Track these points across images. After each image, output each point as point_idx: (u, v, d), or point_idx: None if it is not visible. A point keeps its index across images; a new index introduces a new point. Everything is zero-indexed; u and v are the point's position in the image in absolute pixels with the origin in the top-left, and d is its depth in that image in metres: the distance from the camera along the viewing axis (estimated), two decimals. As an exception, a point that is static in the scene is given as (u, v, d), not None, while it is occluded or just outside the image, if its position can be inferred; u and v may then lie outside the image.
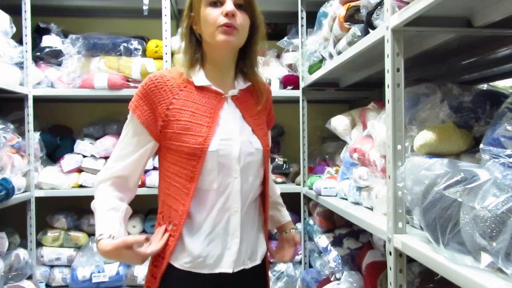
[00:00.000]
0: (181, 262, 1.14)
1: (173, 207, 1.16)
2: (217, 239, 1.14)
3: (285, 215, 1.45)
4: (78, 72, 2.39)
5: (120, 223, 1.13)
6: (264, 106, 1.27)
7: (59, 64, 2.44)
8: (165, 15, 2.36)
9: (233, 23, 1.10)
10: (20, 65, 2.31)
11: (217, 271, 1.14)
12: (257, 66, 1.24)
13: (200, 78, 1.17)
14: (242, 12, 1.13)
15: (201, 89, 1.17)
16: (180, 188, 1.14)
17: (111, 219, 1.13)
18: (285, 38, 2.59)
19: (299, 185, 2.47)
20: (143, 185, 2.42)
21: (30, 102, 2.35)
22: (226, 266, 1.15)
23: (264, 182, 1.25)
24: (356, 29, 1.52)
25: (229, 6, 1.10)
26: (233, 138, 1.15)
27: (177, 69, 1.20)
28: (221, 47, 1.14)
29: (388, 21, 1.14)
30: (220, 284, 1.15)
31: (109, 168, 1.19)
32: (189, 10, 1.18)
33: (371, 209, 1.57)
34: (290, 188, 2.50)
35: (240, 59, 1.23)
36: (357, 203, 1.71)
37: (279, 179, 2.58)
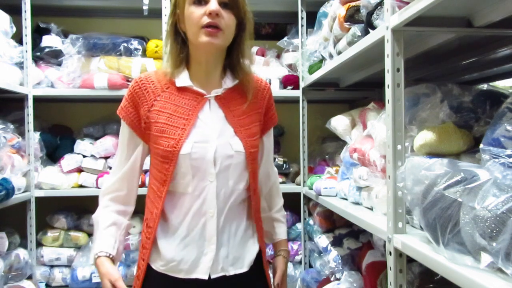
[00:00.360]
0: (157, 265, 1.15)
1: (150, 209, 1.18)
2: (193, 243, 1.12)
3: (279, 233, 1.34)
4: (78, 72, 2.39)
5: (119, 241, 1.16)
6: (258, 105, 1.22)
7: (59, 64, 2.44)
8: (165, 15, 2.36)
9: (217, 23, 1.06)
10: (20, 65, 2.31)
11: (193, 276, 1.12)
12: (244, 64, 1.19)
13: (182, 79, 1.15)
14: (227, 11, 1.08)
15: (182, 90, 1.15)
16: (155, 191, 1.16)
17: (110, 237, 1.14)
18: (285, 38, 2.59)
19: (299, 185, 2.47)
20: (142, 185, 2.42)
21: (30, 102, 2.35)
22: (202, 272, 1.12)
23: (252, 186, 1.19)
24: (356, 29, 1.52)
25: (213, 5, 1.05)
26: (209, 140, 1.12)
27: (164, 69, 1.18)
28: (205, 48, 1.10)
29: (388, 21, 1.14)
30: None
31: (110, 179, 1.21)
32: (174, 6, 1.14)
33: (371, 209, 1.57)
34: (290, 188, 2.50)
35: (228, 56, 1.18)
36: (357, 203, 1.71)
37: (279, 179, 2.57)
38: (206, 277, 1.12)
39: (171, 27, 1.15)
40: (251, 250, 1.20)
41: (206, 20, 1.06)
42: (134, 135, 1.17)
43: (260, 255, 1.24)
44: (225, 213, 1.14)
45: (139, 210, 2.72)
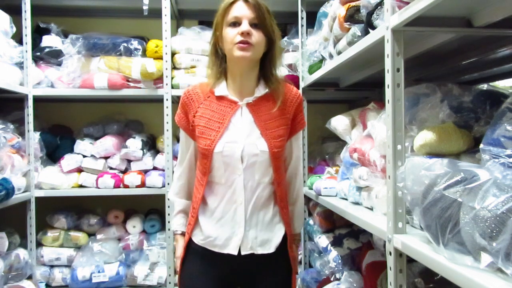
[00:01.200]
0: (197, 238, 1.40)
1: (195, 194, 1.43)
2: (226, 225, 1.36)
3: (295, 228, 1.52)
4: (78, 72, 2.39)
5: (186, 217, 1.49)
6: (287, 110, 1.41)
7: (59, 64, 2.44)
8: (165, 15, 2.36)
9: (248, 40, 1.28)
10: (20, 65, 2.31)
11: (225, 251, 1.35)
12: (276, 74, 1.40)
13: (220, 88, 1.38)
14: (257, 30, 1.31)
15: (220, 98, 1.38)
16: (199, 180, 1.42)
17: (181, 218, 1.50)
18: (285, 38, 2.59)
19: (299, 185, 2.47)
20: (143, 185, 2.42)
21: (30, 102, 2.35)
22: (232, 249, 1.35)
23: (276, 180, 1.38)
24: (356, 29, 1.52)
25: (244, 26, 1.29)
26: (238, 141, 1.34)
27: (207, 81, 1.43)
28: (239, 61, 1.33)
29: (388, 21, 1.14)
30: (228, 262, 1.36)
31: (176, 170, 1.51)
32: (215, 29, 1.38)
33: (371, 209, 1.57)
34: (290, 188, 2.50)
35: (261, 69, 1.40)
36: (357, 203, 1.71)
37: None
38: (235, 253, 1.35)
39: (213, 46, 1.40)
40: (278, 234, 1.40)
41: (239, 38, 1.29)
42: (187, 137, 1.45)
43: (285, 239, 1.43)
44: (252, 202, 1.35)
45: (139, 210, 2.73)
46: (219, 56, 1.39)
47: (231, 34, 1.30)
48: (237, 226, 1.35)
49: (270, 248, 1.38)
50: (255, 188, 1.35)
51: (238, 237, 1.35)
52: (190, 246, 1.41)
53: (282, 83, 1.42)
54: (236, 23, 1.31)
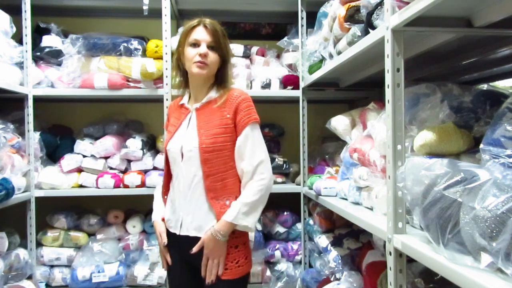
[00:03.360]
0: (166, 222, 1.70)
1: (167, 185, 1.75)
2: (175, 210, 1.63)
3: (225, 215, 1.54)
4: (78, 72, 2.38)
5: (163, 206, 1.76)
6: (226, 112, 1.57)
7: (59, 64, 2.44)
8: (165, 15, 2.36)
9: (205, 61, 1.56)
10: (20, 65, 2.31)
11: (174, 231, 1.63)
12: (226, 85, 1.64)
13: (184, 99, 1.71)
14: (213, 52, 1.58)
15: (181, 106, 1.71)
16: (166, 174, 1.74)
17: (158, 208, 1.79)
18: (285, 38, 2.59)
19: (299, 185, 2.47)
20: (143, 185, 2.42)
21: (30, 102, 2.35)
22: (177, 229, 1.62)
23: (205, 173, 1.56)
24: (356, 29, 1.52)
25: (202, 49, 1.56)
26: (181, 140, 1.61)
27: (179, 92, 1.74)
28: (196, 77, 1.61)
29: (388, 21, 1.14)
30: (178, 241, 1.62)
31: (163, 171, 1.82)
32: (178, 46, 1.65)
33: (371, 209, 1.57)
34: (290, 188, 2.50)
35: (215, 80, 1.65)
36: (357, 203, 1.71)
37: (279, 179, 2.57)
38: (177, 233, 1.62)
39: (176, 60, 1.67)
40: (209, 222, 1.57)
41: (197, 58, 1.56)
42: None
43: None
44: (190, 191, 1.59)
45: (140, 210, 2.73)
46: (180, 69, 1.66)
47: (191, 53, 1.57)
48: (179, 210, 1.61)
49: (201, 233, 1.56)
50: (191, 179, 1.58)
51: (180, 219, 1.61)
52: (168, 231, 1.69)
53: (227, 90, 1.62)
54: (196, 44, 1.57)
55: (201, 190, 1.57)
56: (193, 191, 1.58)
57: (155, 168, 2.48)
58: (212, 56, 1.57)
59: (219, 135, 1.56)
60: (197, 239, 1.56)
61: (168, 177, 1.71)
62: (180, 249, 1.63)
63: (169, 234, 1.66)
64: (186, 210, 1.59)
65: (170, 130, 1.68)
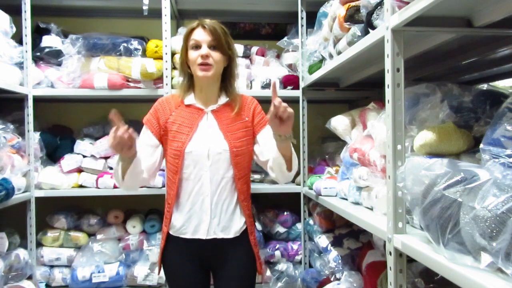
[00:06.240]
0: (173, 230, 1.65)
1: (168, 192, 1.68)
2: (195, 214, 1.60)
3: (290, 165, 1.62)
4: (78, 72, 2.38)
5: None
6: (244, 115, 1.65)
7: (59, 64, 2.44)
8: (165, 15, 2.36)
9: (208, 61, 1.54)
10: (20, 65, 2.31)
11: (195, 237, 1.60)
12: (234, 86, 1.66)
13: (189, 99, 1.65)
14: (215, 51, 1.56)
15: (188, 106, 1.64)
16: (170, 179, 1.66)
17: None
18: (285, 38, 2.59)
19: (299, 185, 2.47)
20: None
21: (30, 102, 2.35)
22: (201, 234, 1.60)
23: (236, 176, 1.60)
24: (356, 29, 1.52)
25: (203, 50, 1.55)
26: (205, 141, 1.59)
27: (178, 93, 1.69)
28: (201, 79, 1.59)
29: (388, 21, 1.14)
30: (197, 247, 1.60)
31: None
32: (182, 50, 1.64)
33: (371, 209, 1.57)
34: (290, 188, 2.50)
35: (223, 81, 1.65)
36: (357, 203, 1.71)
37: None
38: (204, 237, 1.59)
39: (182, 64, 1.65)
40: (237, 222, 1.63)
41: (200, 60, 1.55)
42: (150, 136, 1.64)
43: (246, 230, 1.66)
44: (217, 194, 1.59)
45: (139, 210, 2.73)
46: (187, 72, 1.65)
47: (193, 56, 1.56)
48: (204, 214, 1.59)
49: (230, 234, 1.61)
50: (219, 182, 1.59)
51: (205, 223, 1.59)
52: (169, 238, 1.65)
53: (239, 94, 1.68)
54: (197, 46, 1.56)
55: (228, 193, 1.61)
56: (220, 193, 1.59)
57: (155, 168, 2.48)
58: (215, 56, 1.56)
59: (243, 138, 1.63)
60: (223, 241, 1.60)
61: (174, 181, 1.62)
62: (200, 254, 1.62)
63: (182, 240, 1.62)
64: (212, 213, 1.59)
65: (181, 131, 1.60)
